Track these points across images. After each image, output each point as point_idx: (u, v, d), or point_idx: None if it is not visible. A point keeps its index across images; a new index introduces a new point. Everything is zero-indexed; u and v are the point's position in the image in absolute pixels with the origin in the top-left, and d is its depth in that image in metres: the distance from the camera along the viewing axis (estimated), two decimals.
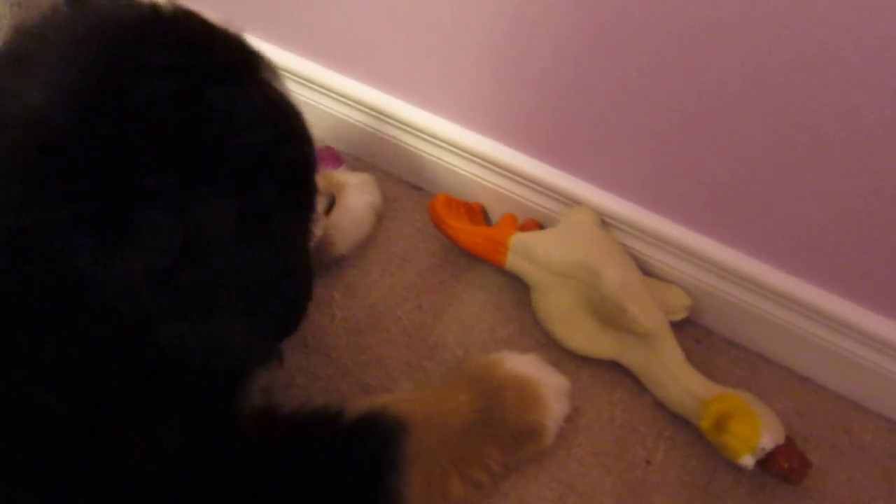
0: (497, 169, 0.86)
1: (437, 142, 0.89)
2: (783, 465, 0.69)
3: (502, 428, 0.70)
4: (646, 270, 0.82)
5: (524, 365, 0.74)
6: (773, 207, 0.71)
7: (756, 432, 0.68)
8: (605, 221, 0.82)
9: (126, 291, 0.40)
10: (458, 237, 0.84)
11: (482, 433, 0.69)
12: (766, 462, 0.69)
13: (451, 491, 0.66)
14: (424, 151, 0.91)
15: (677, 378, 0.75)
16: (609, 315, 0.75)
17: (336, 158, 0.96)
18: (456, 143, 0.87)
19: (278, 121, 0.50)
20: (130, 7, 0.49)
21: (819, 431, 0.78)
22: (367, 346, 0.82)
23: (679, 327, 0.79)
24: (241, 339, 0.48)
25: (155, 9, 0.50)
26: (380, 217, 0.92)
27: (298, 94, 0.88)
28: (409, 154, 0.93)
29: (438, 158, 0.91)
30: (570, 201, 0.83)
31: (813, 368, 0.81)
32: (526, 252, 0.79)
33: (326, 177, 0.87)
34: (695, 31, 0.62)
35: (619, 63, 0.69)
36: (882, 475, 0.75)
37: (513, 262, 0.81)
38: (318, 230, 0.66)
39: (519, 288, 0.85)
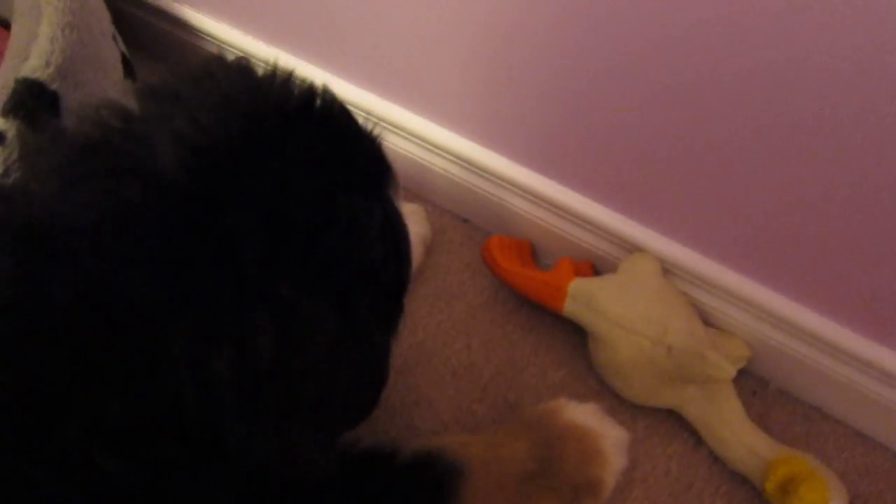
0: (552, 208, 0.84)
1: (489, 176, 0.87)
2: None
3: (560, 479, 0.68)
4: (705, 320, 0.80)
5: (585, 416, 0.72)
6: (834, 261, 0.70)
7: (824, 498, 0.66)
8: (666, 269, 0.80)
9: (207, 385, 0.38)
10: (515, 282, 0.82)
11: (540, 483, 0.68)
12: None
13: None
14: (474, 184, 0.90)
15: (739, 435, 0.73)
16: (682, 366, 0.72)
17: None
18: (510, 179, 0.85)
19: (390, 239, 0.49)
20: (285, 86, 0.48)
21: (880, 491, 0.76)
22: (416, 385, 0.80)
23: (735, 379, 0.76)
24: (310, 450, 0.47)
25: (310, 94, 0.49)
26: (428, 250, 0.90)
27: None
28: (456, 186, 0.91)
29: (490, 193, 0.89)
30: (628, 245, 0.81)
31: (872, 426, 0.79)
32: (586, 300, 0.78)
33: None
34: (770, 71, 0.61)
35: (682, 110, 0.67)
36: None
37: (571, 308, 0.79)
38: None
39: (571, 330, 0.83)
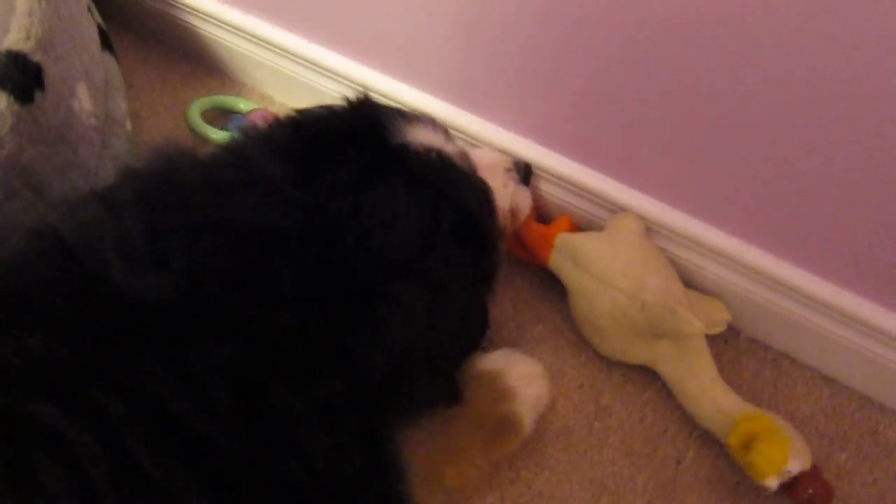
0: (539, 171, 0.87)
1: (473, 140, 0.89)
2: (807, 490, 0.69)
3: (479, 420, 0.72)
4: (684, 276, 0.83)
5: (491, 361, 0.76)
6: (806, 213, 0.72)
7: (784, 455, 0.69)
8: (649, 229, 0.82)
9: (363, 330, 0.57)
10: (519, 228, 0.85)
11: (461, 428, 0.72)
12: (790, 486, 0.70)
13: (447, 482, 0.70)
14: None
15: (708, 391, 0.75)
16: (653, 321, 0.75)
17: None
18: (493, 142, 0.87)
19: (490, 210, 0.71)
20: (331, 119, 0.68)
21: (845, 432, 0.79)
22: None
23: None
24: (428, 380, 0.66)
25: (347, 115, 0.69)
26: None
27: None
28: None
29: None
30: (612, 206, 0.84)
31: (839, 369, 0.82)
32: (570, 253, 0.80)
33: None
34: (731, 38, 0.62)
35: (664, 70, 0.69)
36: None
37: (555, 259, 0.82)
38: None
39: (549, 287, 0.86)
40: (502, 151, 0.85)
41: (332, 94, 0.96)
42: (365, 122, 0.66)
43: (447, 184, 0.64)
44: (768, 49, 0.62)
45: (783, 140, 0.68)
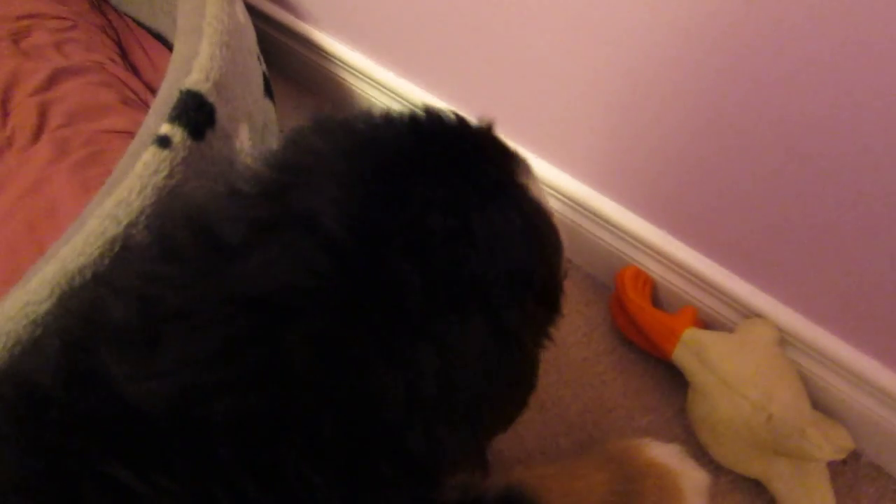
0: (672, 265, 0.86)
1: (611, 227, 0.89)
2: None
3: None
4: (811, 391, 0.80)
5: (667, 455, 0.73)
6: None
7: None
8: (783, 340, 0.80)
9: (385, 407, 0.45)
10: (636, 313, 0.84)
11: None
12: None
13: None
14: (596, 235, 0.92)
15: None
16: (777, 437, 0.72)
17: None
18: (632, 232, 0.87)
19: (534, 244, 0.52)
20: (391, 131, 0.53)
21: None
22: None
23: None
24: (464, 447, 0.50)
25: (415, 128, 0.54)
26: None
27: None
28: (575, 233, 0.94)
29: (609, 244, 0.91)
30: (745, 310, 0.82)
31: None
32: (697, 350, 0.79)
33: None
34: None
35: (808, 181, 0.68)
36: None
37: (680, 355, 0.80)
38: None
39: (662, 378, 0.85)
40: (622, 230, 0.85)
41: None
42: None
43: (548, 234, 0.57)
44: None
45: None
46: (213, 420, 0.43)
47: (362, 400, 0.44)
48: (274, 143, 0.95)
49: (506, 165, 0.55)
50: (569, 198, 0.90)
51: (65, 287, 0.58)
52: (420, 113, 0.56)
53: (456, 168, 0.51)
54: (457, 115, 0.57)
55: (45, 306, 0.57)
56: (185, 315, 0.45)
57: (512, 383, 0.54)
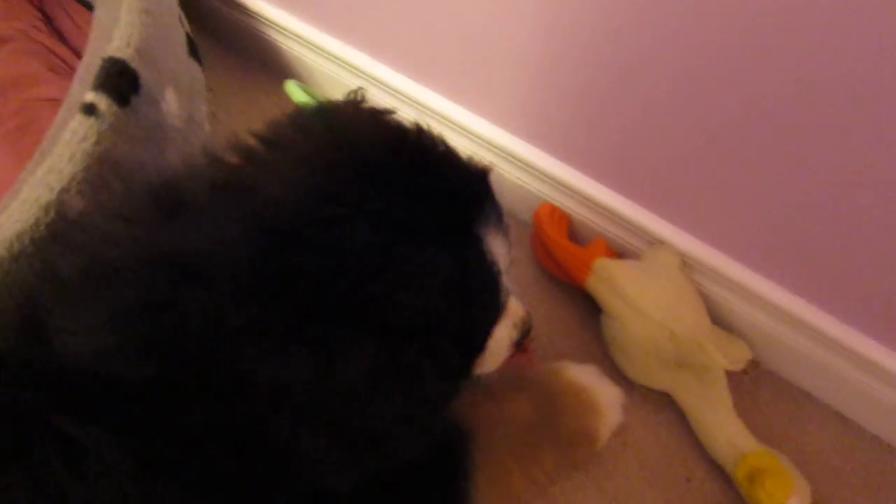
0: (582, 199, 0.92)
1: (526, 167, 0.95)
2: None
3: (560, 430, 0.77)
4: (712, 310, 0.87)
5: (584, 374, 0.81)
6: (833, 261, 0.76)
7: (787, 492, 0.74)
8: (685, 263, 0.87)
9: (262, 390, 0.46)
10: (552, 247, 0.90)
11: (541, 434, 0.76)
12: None
13: (513, 486, 0.74)
14: (513, 175, 0.97)
15: (722, 425, 0.80)
16: (680, 351, 0.80)
17: None
18: (545, 170, 0.93)
19: (457, 293, 0.51)
20: (375, 132, 0.54)
21: (853, 467, 0.83)
22: None
23: None
24: (329, 457, 0.50)
25: (400, 138, 0.54)
26: None
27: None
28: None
29: (525, 182, 0.97)
30: (651, 238, 0.88)
31: (854, 409, 0.86)
32: (607, 278, 0.85)
33: None
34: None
35: (708, 113, 0.73)
36: None
37: (593, 283, 0.87)
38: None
39: (580, 306, 0.92)
40: (537, 170, 0.91)
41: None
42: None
43: (480, 291, 0.55)
44: (816, 93, 0.65)
45: (814, 186, 0.71)
46: (126, 379, 0.45)
47: (235, 377, 0.46)
48: (202, 103, 0.98)
49: (472, 211, 0.54)
50: (489, 143, 0.95)
51: (2, 253, 0.61)
52: (418, 134, 0.56)
53: (419, 199, 0.51)
54: (448, 149, 0.57)
55: None
56: (117, 273, 0.47)
57: (400, 417, 0.51)
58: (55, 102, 1.01)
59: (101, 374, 0.46)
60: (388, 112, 0.59)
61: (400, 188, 0.51)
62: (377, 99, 1.05)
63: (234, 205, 0.49)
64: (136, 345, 0.46)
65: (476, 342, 0.58)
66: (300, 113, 0.59)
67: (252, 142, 0.53)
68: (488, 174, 0.60)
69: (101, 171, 0.70)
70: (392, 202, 0.49)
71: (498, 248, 0.56)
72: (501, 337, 0.65)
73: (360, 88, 0.61)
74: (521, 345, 0.69)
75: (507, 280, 0.59)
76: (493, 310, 0.58)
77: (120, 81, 0.72)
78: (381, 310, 0.47)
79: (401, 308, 0.48)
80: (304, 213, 0.48)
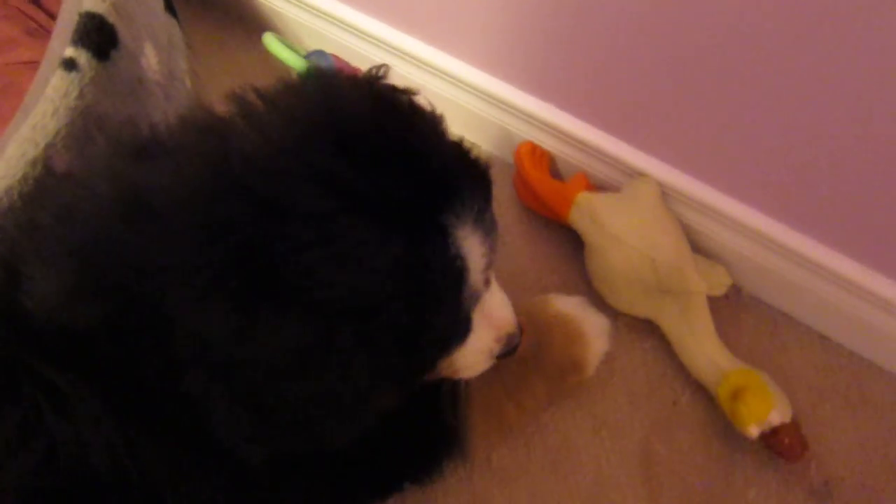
0: (560, 135, 0.93)
1: (500, 104, 0.96)
2: (784, 441, 0.77)
3: (548, 360, 0.80)
4: (693, 239, 0.89)
5: (571, 305, 0.84)
6: (808, 182, 0.78)
7: (767, 407, 0.76)
8: (666, 194, 0.88)
9: (181, 340, 0.46)
10: (534, 184, 0.92)
11: (531, 365, 0.79)
12: (769, 436, 0.77)
13: (506, 417, 0.77)
14: (487, 112, 0.98)
15: (704, 348, 0.83)
16: (661, 278, 0.82)
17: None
18: (519, 107, 0.94)
19: (403, 285, 0.47)
20: (367, 103, 0.51)
21: (833, 385, 0.86)
22: None
23: None
24: (240, 423, 0.49)
25: (393, 113, 0.52)
26: None
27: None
28: (470, 114, 1.00)
29: (500, 120, 0.98)
30: (630, 171, 0.90)
31: (833, 328, 0.89)
32: (589, 211, 0.87)
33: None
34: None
35: (679, 38, 0.74)
36: (887, 426, 0.84)
37: (575, 217, 0.89)
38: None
39: (564, 242, 0.94)
40: (516, 109, 0.92)
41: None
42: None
43: (433, 288, 0.50)
44: (779, 18, 0.66)
45: (791, 109, 0.72)
46: (80, 324, 0.46)
47: (162, 323, 0.45)
48: (181, 60, 0.98)
49: (447, 199, 0.50)
50: (468, 84, 0.96)
51: None
52: (414, 114, 0.53)
53: (387, 174, 0.48)
54: (443, 135, 0.55)
55: None
56: (77, 213, 0.48)
57: (321, 403, 0.49)
58: (33, 65, 1.01)
59: (62, 320, 0.46)
60: (408, 91, 0.55)
61: (368, 159, 0.47)
62: (355, 48, 1.05)
63: (205, 149, 0.48)
64: (86, 287, 0.46)
65: (423, 346, 0.52)
66: (307, 77, 0.58)
67: (252, 97, 0.52)
68: (485, 168, 0.57)
69: (85, 125, 0.71)
70: (354, 170, 0.46)
71: (471, 247, 0.51)
72: (479, 349, 0.61)
73: (384, 65, 0.58)
74: (504, 356, 0.65)
75: (484, 286, 0.56)
76: (447, 314, 0.52)
77: (98, 36, 0.73)
78: (314, 284, 0.45)
79: (333, 285, 0.45)
80: (261, 167, 0.46)
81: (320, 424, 0.51)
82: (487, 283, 0.57)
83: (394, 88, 0.55)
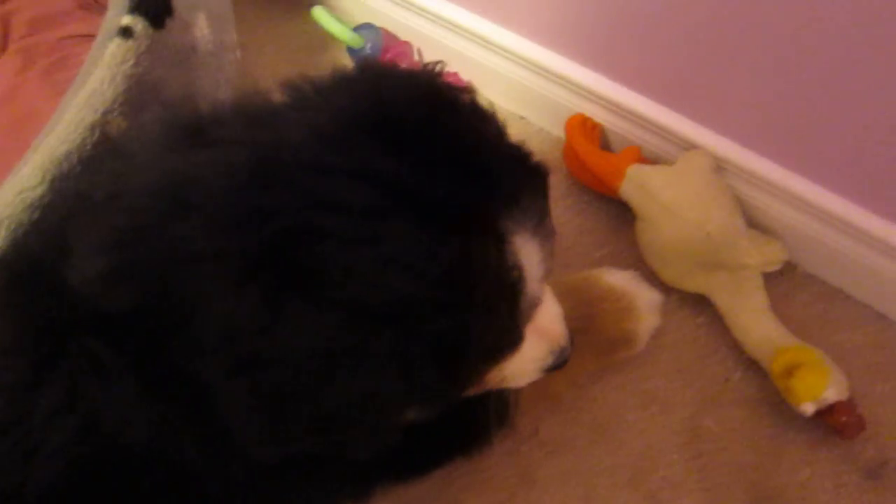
0: (610, 106, 0.92)
1: (549, 76, 0.95)
2: (840, 418, 0.75)
3: (600, 333, 0.79)
4: (748, 214, 0.87)
5: (623, 279, 0.83)
6: (869, 156, 0.76)
7: (823, 383, 0.74)
8: (720, 167, 0.87)
9: (204, 327, 0.44)
10: (585, 156, 0.91)
11: (582, 339, 0.77)
12: (826, 413, 0.75)
13: (555, 390, 0.76)
14: (535, 84, 0.97)
15: (759, 323, 0.81)
16: (715, 251, 0.81)
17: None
18: (570, 78, 0.93)
19: (454, 288, 0.44)
20: (422, 99, 0.49)
21: (887, 364, 0.84)
22: None
23: None
24: (251, 419, 0.47)
25: (450, 111, 0.49)
26: None
27: None
28: (517, 85, 1.00)
29: (549, 92, 0.97)
30: (684, 144, 0.88)
31: (889, 306, 0.86)
32: (641, 183, 0.86)
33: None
34: None
35: (736, 7, 0.73)
36: None
37: (627, 189, 0.88)
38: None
39: (612, 216, 0.93)
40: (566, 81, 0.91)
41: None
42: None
43: (481, 300, 0.46)
44: None
45: (851, 80, 0.71)
46: (112, 308, 0.46)
47: (190, 311, 0.44)
48: (231, 30, 0.98)
49: (502, 203, 0.48)
50: (517, 56, 0.96)
51: (54, 172, 0.63)
52: (474, 112, 0.51)
53: (441, 173, 0.45)
54: (502, 136, 0.53)
55: (39, 191, 0.62)
56: (121, 197, 0.48)
57: (342, 411, 0.46)
58: (87, 38, 1.03)
59: (97, 302, 0.46)
60: (468, 90, 0.54)
61: (424, 159, 0.45)
62: (402, 21, 1.05)
63: (249, 138, 0.47)
64: (122, 275, 0.46)
65: (468, 360, 0.49)
66: (361, 70, 0.56)
67: (307, 88, 0.51)
68: (546, 173, 0.54)
69: (140, 93, 0.71)
70: (408, 169, 0.44)
71: (529, 256, 0.49)
72: (532, 358, 0.58)
73: (440, 62, 0.56)
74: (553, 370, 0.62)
75: (542, 296, 0.53)
76: (497, 328, 0.49)
77: (154, 3, 0.73)
78: (354, 283, 0.42)
79: (376, 288, 0.43)
80: (310, 161, 0.44)
81: (342, 433, 0.48)
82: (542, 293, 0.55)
83: (452, 87, 0.53)
